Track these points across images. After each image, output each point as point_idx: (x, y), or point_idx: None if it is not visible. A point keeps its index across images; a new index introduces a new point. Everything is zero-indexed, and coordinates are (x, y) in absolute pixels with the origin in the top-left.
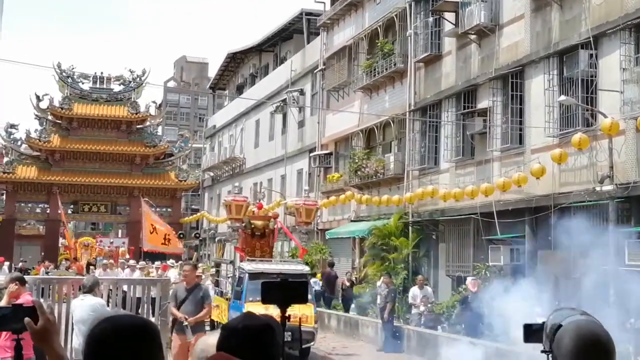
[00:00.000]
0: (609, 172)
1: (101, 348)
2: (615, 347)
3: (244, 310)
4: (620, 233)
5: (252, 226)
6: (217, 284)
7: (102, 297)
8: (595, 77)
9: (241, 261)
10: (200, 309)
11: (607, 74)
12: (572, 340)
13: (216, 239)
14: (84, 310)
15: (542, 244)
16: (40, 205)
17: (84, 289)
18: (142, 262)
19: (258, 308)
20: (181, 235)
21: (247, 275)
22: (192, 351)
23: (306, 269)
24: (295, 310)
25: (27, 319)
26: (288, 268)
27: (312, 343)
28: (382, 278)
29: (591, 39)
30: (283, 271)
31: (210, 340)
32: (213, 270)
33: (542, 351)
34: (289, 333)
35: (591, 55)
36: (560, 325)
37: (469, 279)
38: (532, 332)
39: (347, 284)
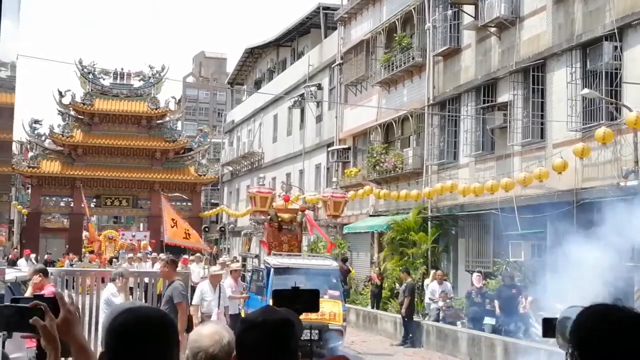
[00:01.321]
0: (634, 167)
1: (123, 338)
2: None
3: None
4: None
5: (279, 219)
6: (243, 278)
7: (124, 288)
8: (620, 69)
9: (268, 255)
10: (170, 309)
11: (632, 66)
12: (606, 325)
13: (242, 233)
14: (101, 299)
15: (563, 240)
16: (64, 199)
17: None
18: (162, 255)
19: None
20: (206, 230)
21: (272, 270)
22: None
23: (335, 264)
24: (324, 308)
25: (35, 318)
26: (316, 263)
27: (340, 342)
28: (430, 276)
29: (616, 30)
30: (310, 266)
31: (203, 330)
32: (239, 264)
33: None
34: (317, 331)
35: (616, 47)
36: (580, 317)
37: (474, 275)
38: (551, 327)
39: (379, 281)
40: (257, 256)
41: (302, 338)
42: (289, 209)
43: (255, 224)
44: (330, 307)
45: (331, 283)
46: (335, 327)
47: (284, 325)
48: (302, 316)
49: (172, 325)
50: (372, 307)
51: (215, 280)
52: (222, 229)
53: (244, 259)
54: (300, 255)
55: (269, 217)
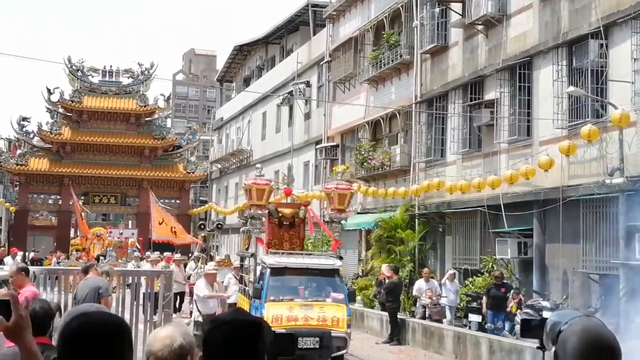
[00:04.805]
0: (620, 165)
1: (78, 343)
2: (621, 349)
3: (264, 312)
4: (630, 226)
5: (280, 214)
6: (241, 280)
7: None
8: (606, 67)
9: (266, 254)
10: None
11: (617, 64)
12: (579, 341)
13: (240, 230)
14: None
15: (550, 237)
16: (52, 197)
17: None
18: (155, 254)
19: (280, 308)
20: (202, 226)
21: (268, 270)
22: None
23: (338, 263)
24: (326, 313)
25: None
26: (317, 262)
27: (344, 351)
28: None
29: (601, 28)
30: (310, 266)
31: (157, 333)
32: (238, 263)
33: (538, 347)
34: (317, 339)
35: (601, 45)
36: (565, 325)
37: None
38: (530, 328)
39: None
40: (253, 255)
41: (272, 343)
42: (289, 203)
43: (245, 220)
44: (333, 311)
45: (334, 284)
46: (339, 334)
47: (251, 326)
48: (302, 322)
49: (128, 333)
50: (382, 310)
51: (210, 279)
52: (220, 225)
53: (242, 259)
54: (300, 254)
55: (266, 211)
